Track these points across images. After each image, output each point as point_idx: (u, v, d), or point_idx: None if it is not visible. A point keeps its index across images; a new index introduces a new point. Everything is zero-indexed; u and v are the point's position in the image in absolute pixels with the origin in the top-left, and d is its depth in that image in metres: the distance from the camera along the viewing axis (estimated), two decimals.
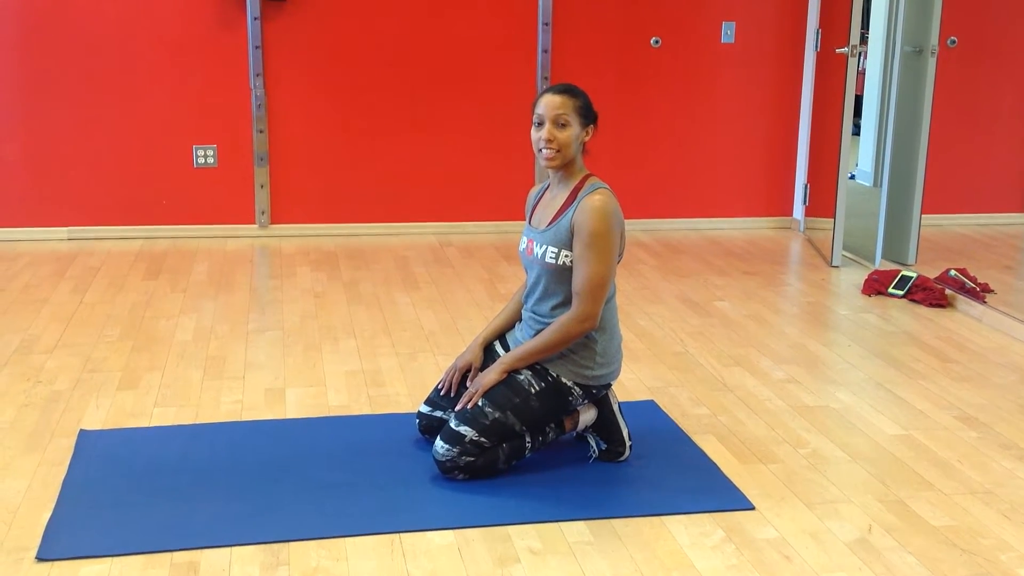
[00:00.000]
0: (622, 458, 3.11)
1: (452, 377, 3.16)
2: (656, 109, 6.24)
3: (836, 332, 4.51)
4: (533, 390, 2.96)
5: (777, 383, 3.81)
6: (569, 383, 2.98)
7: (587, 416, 3.11)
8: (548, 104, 2.95)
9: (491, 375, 2.97)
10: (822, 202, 6.25)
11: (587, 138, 3.01)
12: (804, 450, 3.24)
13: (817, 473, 3.08)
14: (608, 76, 6.16)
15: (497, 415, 2.92)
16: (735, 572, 2.54)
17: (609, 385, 3.09)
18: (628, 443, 3.12)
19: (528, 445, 3.01)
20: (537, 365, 2.98)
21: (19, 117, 5.71)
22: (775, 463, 3.14)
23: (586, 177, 3.01)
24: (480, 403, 2.94)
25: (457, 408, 2.97)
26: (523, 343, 3.01)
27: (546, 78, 6.05)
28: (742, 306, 4.79)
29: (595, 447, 3.12)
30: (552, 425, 3.06)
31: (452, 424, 2.94)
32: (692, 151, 6.33)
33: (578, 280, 2.91)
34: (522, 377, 2.96)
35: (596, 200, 2.91)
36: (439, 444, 2.94)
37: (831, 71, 6.12)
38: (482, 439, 2.91)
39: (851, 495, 2.95)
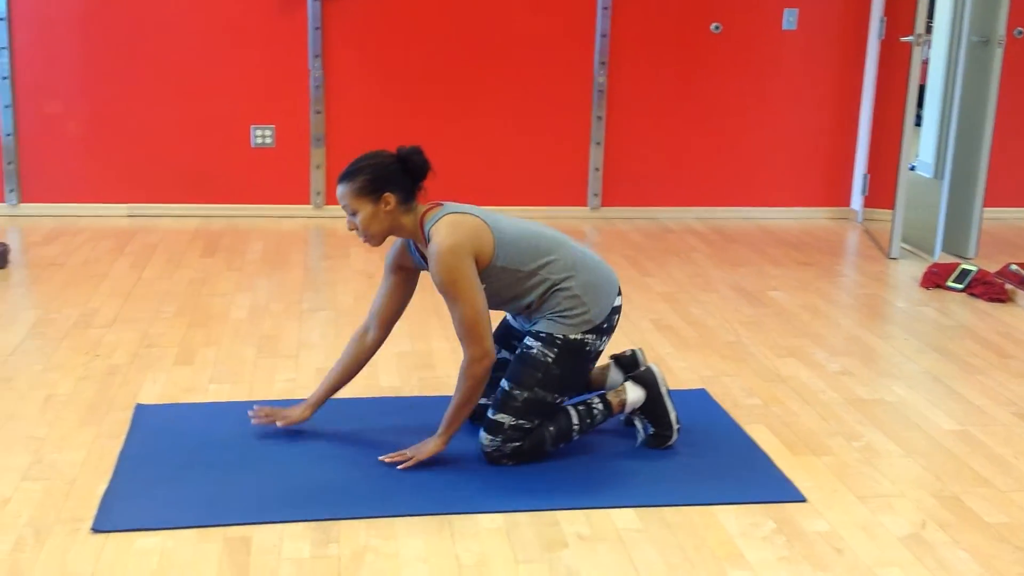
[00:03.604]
0: (669, 443, 3.09)
1: (262, 412, 3.11)
2: (714, 96, 6.18)
3: (893, 325, 4.45)
4: (549, 358, 2.92)
5: (831, 375, 3.77)
6: (577, 336, 2.93)
7: (634, 397, 3.08)
8: (337, 196, 2.90)
9: (431, 446, 2.91)
10: (881, 193, 6.16)
11: (389, 207, 2.85)
12: (858, 443, 3.20)
13: (870, 467, 3.05)
14: (666, 61, 6.11)
15: (527, 394, 2.91)
16: (786, 564, 2.52)
17: (616, 313, 3.02)
18: (676, 427, 3.09)
19: (576, 427, 3.00)
20: (541, 333, 2.93)
21: (81, 96, 5.79)
22: (828, 455, 3.11)
23: (422, 218, 2.90)
24: (506, 387, 2.93)
25: (400, 467, 2.90)
26: (449, 407, 2.93)
27: (603, 63, 6.01)
28: (797, 296, 4.74)
29: (642, 431, 3.11)
30: (600, 407, 3.04)
31: (489, 414, 2.95)
32: (749, 139, 6.27)
33: (455, 328, 2.86)
34: (534, 351, 2.92)
35: (434, 246, 2.82)
36: (482, 435, 2.95)
37: (895, 60, 6.02)
38: (521, 421, 2.91)
39: (905, 490, 2.91)
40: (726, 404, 3.47)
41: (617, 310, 3.03)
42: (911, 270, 5.25)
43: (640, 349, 3.31)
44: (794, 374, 3.77)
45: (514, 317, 3.13)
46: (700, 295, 4.72)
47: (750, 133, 6.26)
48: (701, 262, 5.31)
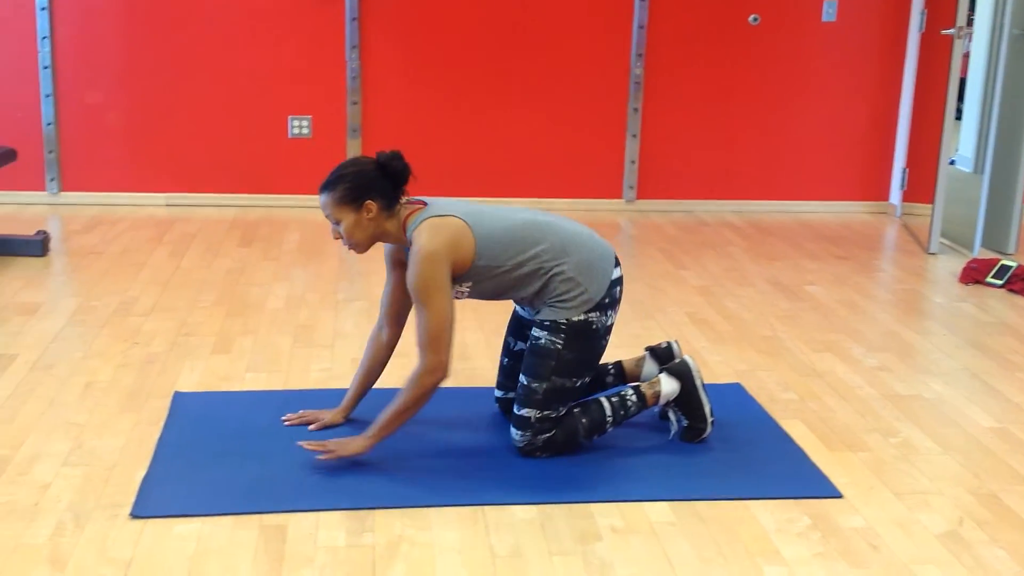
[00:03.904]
0: (703, 436, 3.08)
1: (295, 416, 3.13)
2: (752, 88, 6.15)
3: (931, 320, 4.41)
4: (559, 345, 2.90)
5: (869, 370, 3.74)
6: (580, 317, 2.91)
7: (669, 389, 3.07)
8: (320, 205, 2.90)
9: (356, 445, 2.84)
10: (920, 187, 6.10)
11: (371, 214, 2.83)
12: (895, 439, 3.18)
13: (907, 463, 3.03)
14: (704, 53, 6.08)
15: (545, 385, 2.91)
16: (821, 560, 2.51)
17: (616, 286, 2.98)
18: (710, 420, 3.08)
19: (609, 419, 3.00)
20: (545, 321, 2.91)
21: (121, 86, 5.85)
22: (864, 451, 3.09)
23: (405, 220, 2.88)
24: (525, 381, 2.92)
25: (320, 458, 2.85)
26: (386, 408, 2.88)
27: (640, 55, 5.99)
28: (834, 291, 4.71)
29: (676, 423, 3.10)
30: (634, 398, 3.04)
31: (515, 410, 2.96)
32: (787, 131, 6.23)
33: (418, 333, 2.82)
34: (543, 341, 2.91)
35: (415, 249, 2.81)
36: (513, 432, 2.96)
37: (935, 53, 5.96)
38: (546, 412, 2.91)
39: (942, 487, 2.89)
40: (761, 398, 3.45)
41: (617, 282, 3.00)
42: (950, 265, 5.20)
43: (676, 341, 3.30)
44: (831, 369, 3.74)
45: (521, 308, 3.13)
46: (736, 289, 4.70)
47: (788, 126, 6.22)
48: (737, 256, 5.28)
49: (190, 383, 3.45)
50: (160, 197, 5.97)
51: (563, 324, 2.90)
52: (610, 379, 3.25)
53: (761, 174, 6.28)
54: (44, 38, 5.72)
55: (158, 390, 3.38)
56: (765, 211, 6.26)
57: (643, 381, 3.18)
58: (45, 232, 4.94)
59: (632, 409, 3.05)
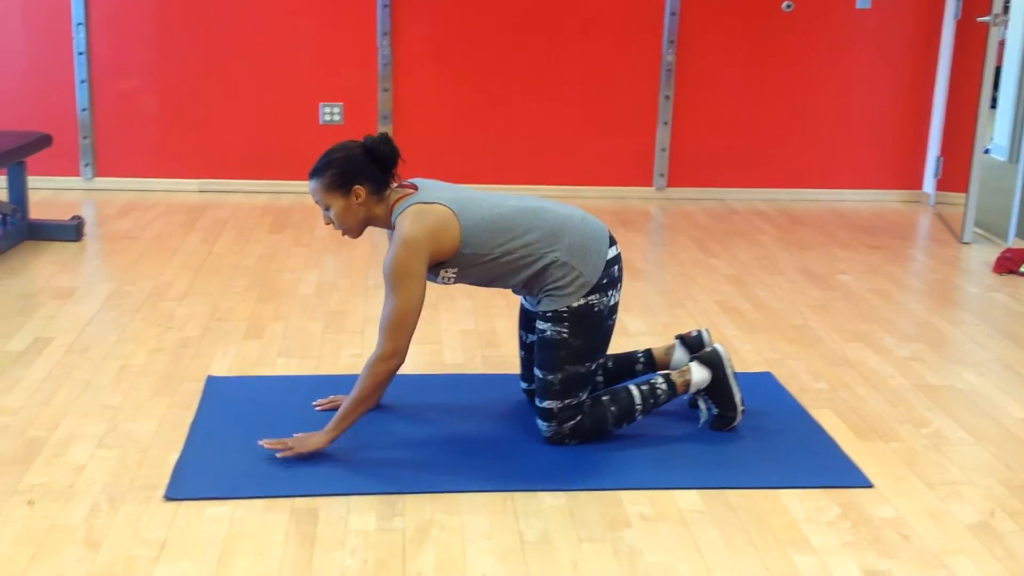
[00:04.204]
0: (733, 425, 3.07)
1: (333, 401, 3.15)
2: (784, 75, 6.11)
3: (964, 311, 4.37)
4: (565, 334, 2.90)
5: (901, 360, 3.72)
6: (580, 302, 2.89)
7: (699, 378, 3.06)
8: (310, 192, 2.91)
9: (315, 440, 2.82)
10: (954, 176, 6.05)
11: (360, 199, 2.83)
12: (926, 429, 3.16)
13: (939, 454, 3.01)
14: (737, 40, 6.05)
15: (560, 375, 2.91)
16: (851, 549, 2.50)
17: (614, 264, 2.95)
18: (740, 408, 3.07)
19: (638, 407, 3.00)
20: (547, 312, 2.89)
21: (155, 73, 5.89)
22: (896, 441, 3.08)
23: (393, 205, 2.88)
24: (540, 375, 2.92)
25: (279, 455, 2.82)
26: (344, 400, 2.85)
27: (672, 42, 5.97)
28: (866, 280, 4.68)
29: (706, 412, 3.10)
30: (664, 387, 3.04)
31: (537, 402, 2.97)
32: (820, 120, 6.19)
33: (381, 318, 2.80)
34: (548, 333, 2.90)
35: (396, 234, 2.81)
36: (539, 423, 2.97)
37: (970, 40, 5.90)
38: (567, 401, 2.92)
39: (974, 477, 2.87)
40: (792, 388, 3.44)
41: (614, 261, 2.97)
42: (983, 255, 5.15)
43: (706, 329, 3.29)
44: (862, 359, 3.72)
45: (524, 299, 3.11)
46: (766, 277, 4.68)
47: (820, 114, 6.18)
48: (768, 244, 5.26)
49: (222, 368, 3.48)
50: (193, 183, 6.01)
51: (565, 312, 2.89)
52: (640, 367, 3.25)
53: (793, 162, 6.24)
54: (79, 24, 5.76)
55: (191, 374, 3.41)
56: (797, 200, 6.23)
57: (673, 369, 3.17)
58: (80, 217, 4.99)
59: (662, 397, 3.05)
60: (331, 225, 2.92)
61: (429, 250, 2.79)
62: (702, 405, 3.10)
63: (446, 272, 2.89)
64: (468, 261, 2.87)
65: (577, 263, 2.89)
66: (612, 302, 2.96)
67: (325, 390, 3.26)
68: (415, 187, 2.92)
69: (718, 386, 3.07)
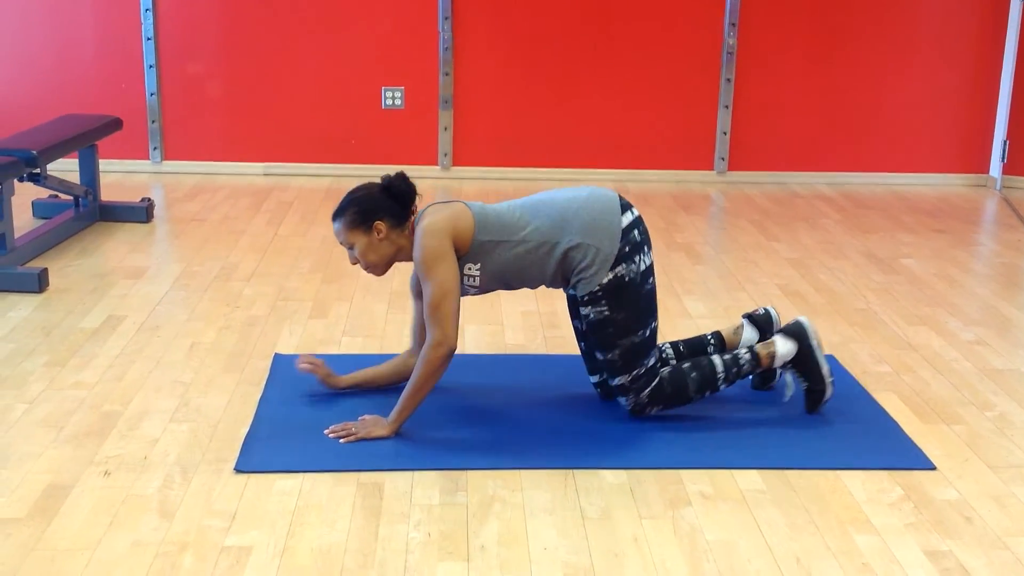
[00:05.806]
0: (824, 399, 3.06)
1: (315, 365, 3.14)
2: (847, 58, 6.05)
3: None
4: (606, 312, 2.92)
5: (965, 344, 3.69)
6: (609, 276, 2.90)
7: (784, 350, 3.04)
8: (334, 233, 2.98)
9: (380, 431, 2.88)
10: (1022, 159, 5.95)
11: (381, 234, 2.92)
12: (990, 413, 3.14)
13: (1003, 437, 2.99)
14: (798, 23, 6.00)
15: (618, 351, 2.94)
16: (913, 531, 2.50)
17: (633, 230, 2.93)
18: (828, 380, 3.05)
19: (720, 375, 3.01)
20: (584, 297, 2.92)
21: (221, 59, 5.98)
22: (959, 424, 3.06)
23: (411, 230, 2.97)
24: (600, 357, 2.98)
25: (342, 440, 2.88)
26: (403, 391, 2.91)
27: (733, 24, 5.94)
28: (930, 264, 4.64)
29: (793, 387, 3.09)
30: (747, 357, 3.04)
31: (610, 382, 3.01)
32: (883, 102, 6.12)
33: (424, 308, 2.88)
34: (592, 316, 2.93)
35: (417, 232, 2.90)
36: (619, 399, 3.03)
37: None
38: (635, 372, 2.95)
39: None
40: (855, 371, 3.43)
41: (632, 226, 2.95)
42: None
43: (773, 307, 3.28)
44: (926, 342, 3.70)
45: (565, 291, 3.11)
46: (829, 261, 4.65)
47: (884, 96, 6.11)
48: (830, 228, 5.23)
49: (289, 346, 3.55)
50: (258, 167, 6.11)
51: (599, 291, 2.92)
52: (711, 349, 3.25)
53: (857, 145, 6.18)
54: (147, 10, 5.87)
55: (259, 352, 3.48)
56: (860, 183, 6.17)
57: (742, 347, 3.17)
58: (149, 199, 5.10)
59: (745, 368, 3.05)
60: (357, 264, 3.00)
61: (450, 233, 2.88)
62: (789, 379, 3.09)
63: (470, 269, 2.93)
64: (487, 250, 2.92)
65: (593, 240, 2.91)
66: (642, 267, 2.95)
67: None
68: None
69: (803, 358, 3.05)
